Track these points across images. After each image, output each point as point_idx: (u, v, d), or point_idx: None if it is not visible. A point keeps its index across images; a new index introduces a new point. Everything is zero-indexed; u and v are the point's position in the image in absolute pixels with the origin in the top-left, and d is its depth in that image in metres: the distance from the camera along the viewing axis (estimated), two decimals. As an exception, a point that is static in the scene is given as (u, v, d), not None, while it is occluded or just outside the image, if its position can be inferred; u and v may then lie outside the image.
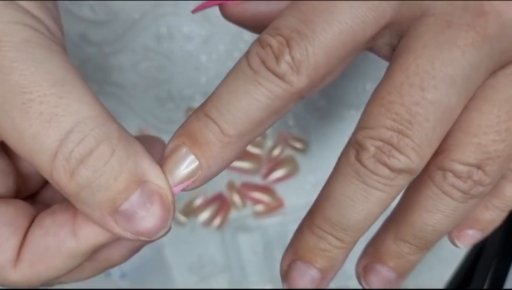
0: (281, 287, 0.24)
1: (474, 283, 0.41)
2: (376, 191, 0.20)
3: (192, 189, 0.20)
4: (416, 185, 0.21)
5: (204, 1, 0.23)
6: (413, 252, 0.22)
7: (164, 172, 0.20)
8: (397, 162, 0.19)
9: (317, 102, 0.36)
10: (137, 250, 0.23)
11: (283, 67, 0.19)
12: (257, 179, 0.38)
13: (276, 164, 0.37)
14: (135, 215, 0.19)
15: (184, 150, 0.20)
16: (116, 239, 0.21)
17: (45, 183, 0.24)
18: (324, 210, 0.21)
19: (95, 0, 0.31)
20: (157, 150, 0.22)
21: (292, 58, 0.19)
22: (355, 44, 0.20)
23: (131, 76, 0.34)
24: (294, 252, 0.22)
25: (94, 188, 0.18)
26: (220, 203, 0.38)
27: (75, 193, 0.19)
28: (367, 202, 0.20)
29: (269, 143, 0.37)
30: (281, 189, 0.38)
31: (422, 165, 0.20)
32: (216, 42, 0.32)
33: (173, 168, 0.20)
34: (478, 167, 0.20)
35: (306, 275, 0.22)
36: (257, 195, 0.38)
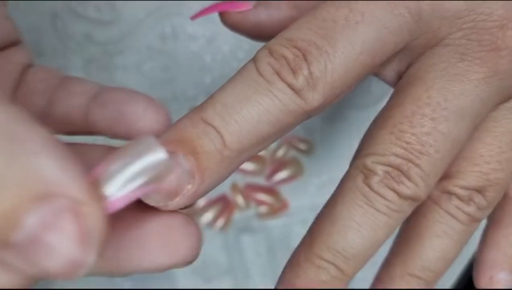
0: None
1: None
2: (383, 216, 0.19)
3: (176, 208, 0.17)
4: (419, 214, 0.21)
5: (204, 8, 0.23)
6: (423, 286, 0.22)
7: (101, 177, 0.14)
8: (405, 189, 0.19)
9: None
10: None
11: (301, 81, 0.18)
12: (261, 180, 0.38)
13: (280, 165, 0.37)
14: (36, 247, 0.12)
15: (149, 140, 0.15)
16: None
17: None
18: (328, 237, 0.19)
19: (100, 0, 0.31)
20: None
21: (311, 73, 0.18)
22: (372, 66, 0.19)
23: (136, 76, 0.34)
24: (292, 285, 0.20)
25: None
26: (224, 204, 0.38)
27: None
28: (374, 227, 0.19)
29: (273, 144, 0.37)
30: (285, 191, 0.38)
31: (427, 193, 0.19)
32: (220, 43, 0.32)
33: (123, 163, 0.14)
34: (479, 191, 0.21)
35: None
36: (261, 196, 0.38)
